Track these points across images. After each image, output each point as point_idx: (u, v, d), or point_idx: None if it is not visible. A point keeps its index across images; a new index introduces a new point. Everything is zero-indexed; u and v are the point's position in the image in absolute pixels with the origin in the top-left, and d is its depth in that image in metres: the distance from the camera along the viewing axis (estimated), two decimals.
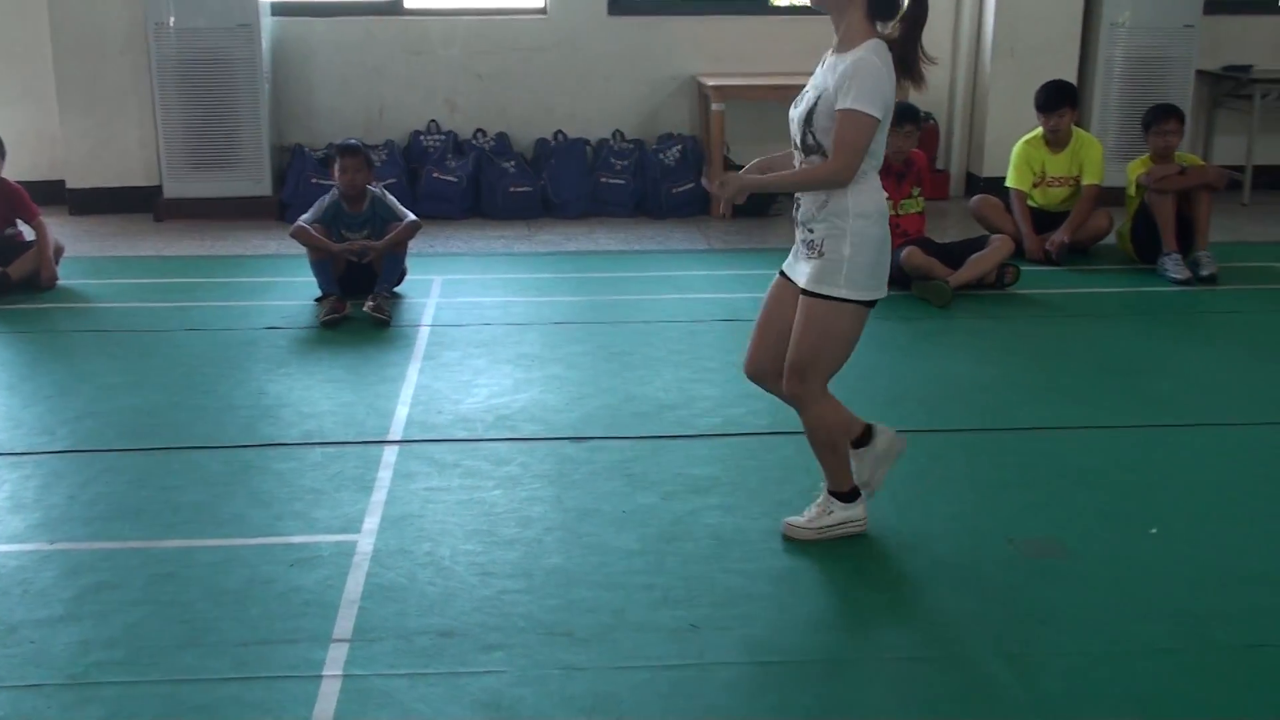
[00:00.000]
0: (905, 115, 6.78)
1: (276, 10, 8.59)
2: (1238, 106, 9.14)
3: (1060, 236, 7.29)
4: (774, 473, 4.50)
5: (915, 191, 6.84)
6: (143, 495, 4.34)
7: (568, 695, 3.20)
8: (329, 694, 3.19)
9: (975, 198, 7.80)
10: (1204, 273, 6.93)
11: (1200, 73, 9.00)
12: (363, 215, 6.55)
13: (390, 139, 8.71)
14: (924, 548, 3.99)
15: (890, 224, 6.97)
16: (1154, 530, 4.09)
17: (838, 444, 3.93)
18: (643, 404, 5.18)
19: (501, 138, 8.82)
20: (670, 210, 8.58)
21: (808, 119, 3.74)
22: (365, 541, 3.97)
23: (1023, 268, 6.92)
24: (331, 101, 8.80)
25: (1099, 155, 7.46)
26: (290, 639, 3.43)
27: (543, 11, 8.93)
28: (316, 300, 6.41)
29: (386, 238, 6.48)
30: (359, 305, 6.26)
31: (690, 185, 8.64)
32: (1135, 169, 7.30)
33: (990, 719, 3.14)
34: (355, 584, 3.71)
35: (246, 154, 8.38)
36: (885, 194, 3.83)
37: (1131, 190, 7.33)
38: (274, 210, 8.37)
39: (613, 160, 8.72)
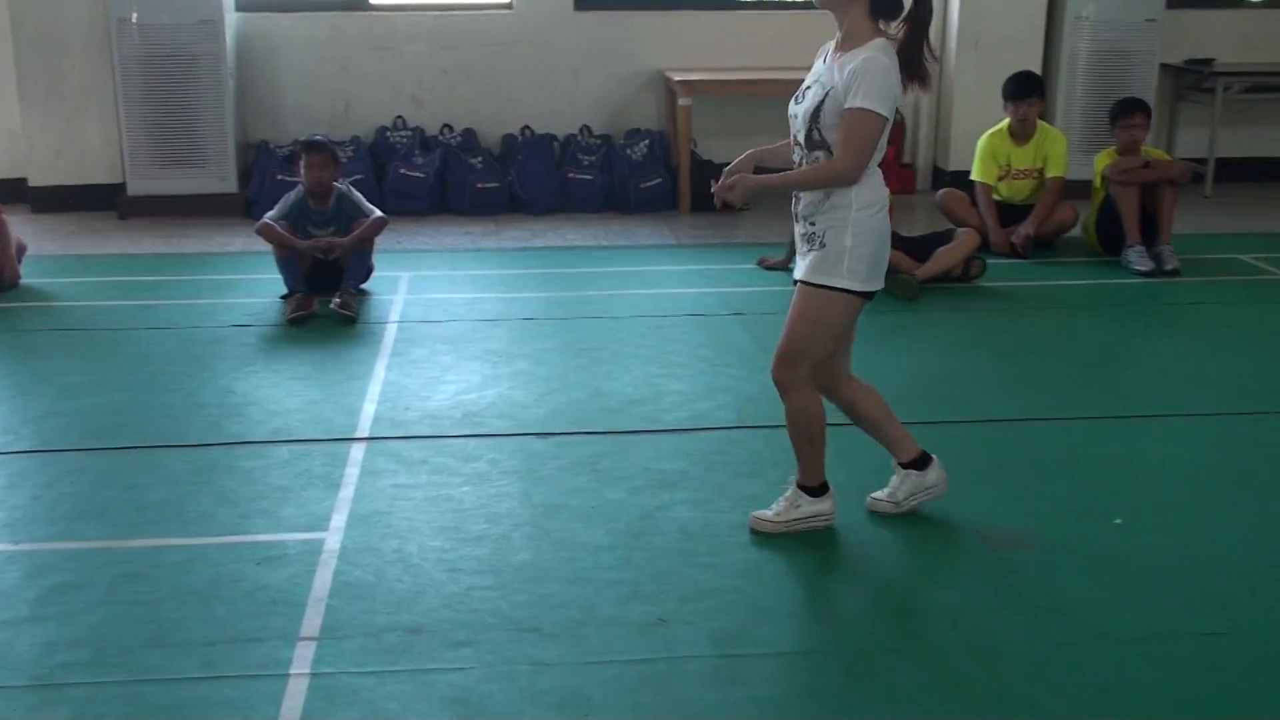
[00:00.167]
0: None
1: (240, 6, 8.54)
2: (1200, 99, 9.21)
3: (1026, 229, 7.34)
4: (742, 467, 4.51)
5: None
6: (107, 495, 4.31)
7: (536, 691, 3.20)
8: (296, 692, 3.18)
9: (941, 191, 7.84)
10: (1167, 267, 6.99)
11: (1163, 66, 9.06)
12: (329, 212, 6.52)
13: (357, 135, 8.68)
14: (893, 540, 4.00)
15: None
16: (1119, 521, 4.12)
17: (815, 436, 3.94)
18: (611, 399, 5.18)
19: (468, 134, 8.80)
20: (638, 205, 8.58)
21: (814, 116, 3.75)
22: (332, 539, 3.96)
23: (989, 261, 6.95)
24: (297, 98, 8.76)
25: (1063, 148, 7.51)
26: (257, 638, 3.42)
27: (509, 7, 8.91)
28: (283, 298, 6.38)
29: (353, 234, 6.45)
30: (326, 302, 6.24)
31: (658, 180, 8.64)
32: (1102, 161, 7.36)
33: (957, 710, 3.15)
34: (322, 582, 3.70)
35: (211, 151, 8.33)
36: (886, 188, 3.85)
37: (1098, 183, 7.38)
38: (239, 207, 8.32)
39: (580, 156, 8.71)
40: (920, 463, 4.12)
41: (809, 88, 3.82)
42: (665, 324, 6.18)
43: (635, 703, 3.16)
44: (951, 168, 8.82)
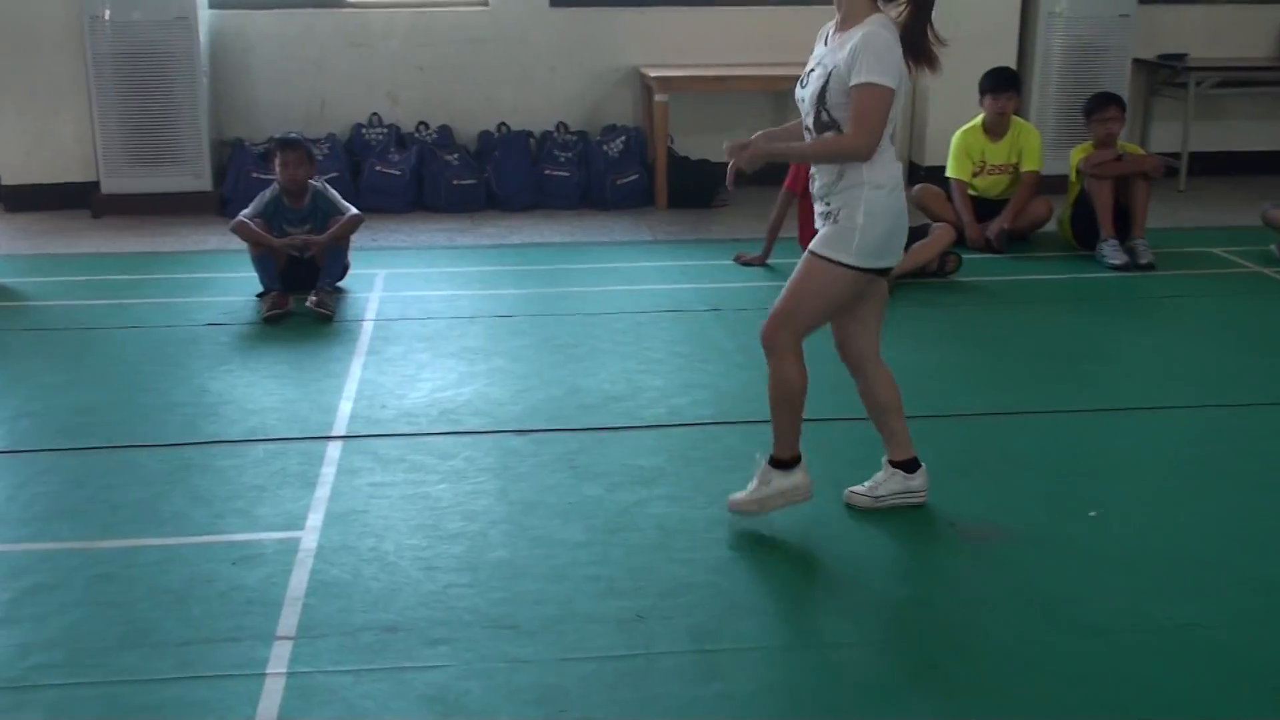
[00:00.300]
0: None
1: (214, 3, 8.50)
2: (1173, 94, 9.26)
3: (1000, 223, 7.37)
4: (719, 463, 4.52)
5: None
6: (82, 495, 4.29)
7: (514, 688, 3.20)
8: (273, 692, 3.17)
9: (916, 187, 7.84)
10: (1141, 261, 7.03)
11: (1136, 61, 9.11)
12: (304, 210, 6.50)
13: (332, 132, 8.65)
14: (867, 534, 4.02)
15: None
16: (1093, 513, 4.15)
17: (795, 402, 3.93)
18: (588, 396, 5.18)
19: (444, 130, 8.78)
20: (614, 202, 8.58)
21: (820, 97, 3.77)
22: (309, 538, 3.95)
23: (964, 256, 6.98)
24: (272, 95, 8.72)
25: (1038, 143, 7.54)
26: (233, 637, 3.41)
27: (484, 3, 8.90)
28: (258, 296, 6.36)
29: (328, 232, 6.43)
30: (301, 300, 6.22)
31: (635, 177, 8.64)
32: (1077, 156, 7.40)
33: (931, 701, 3.17)
34: (299, 581, 3.69)
35: (186, 149, 8.29)
36: (899, 165, 3.87)
37: (1073, 177, 7.42)
38: (214, 205, 8.28)
39: (557, 152, 8.71)
40: (910, 465, 4.14)
41: (812, 70, 3.84)
42: (642, 320, 6.18)
43: (613, 699, 3.16)
44: (927, 163, 8.85)
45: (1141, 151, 7.74)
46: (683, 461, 4.54)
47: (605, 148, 8.69)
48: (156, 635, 3.42)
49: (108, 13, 8.02)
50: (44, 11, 8.15)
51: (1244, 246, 7.47)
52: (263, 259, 6.32)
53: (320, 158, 7.95)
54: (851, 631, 3.50)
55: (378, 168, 8.47)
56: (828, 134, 3.78)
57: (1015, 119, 7.57)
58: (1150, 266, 7.00)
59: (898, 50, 3.70)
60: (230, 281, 6.70)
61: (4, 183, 8.37)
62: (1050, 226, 7.68)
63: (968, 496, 4.26)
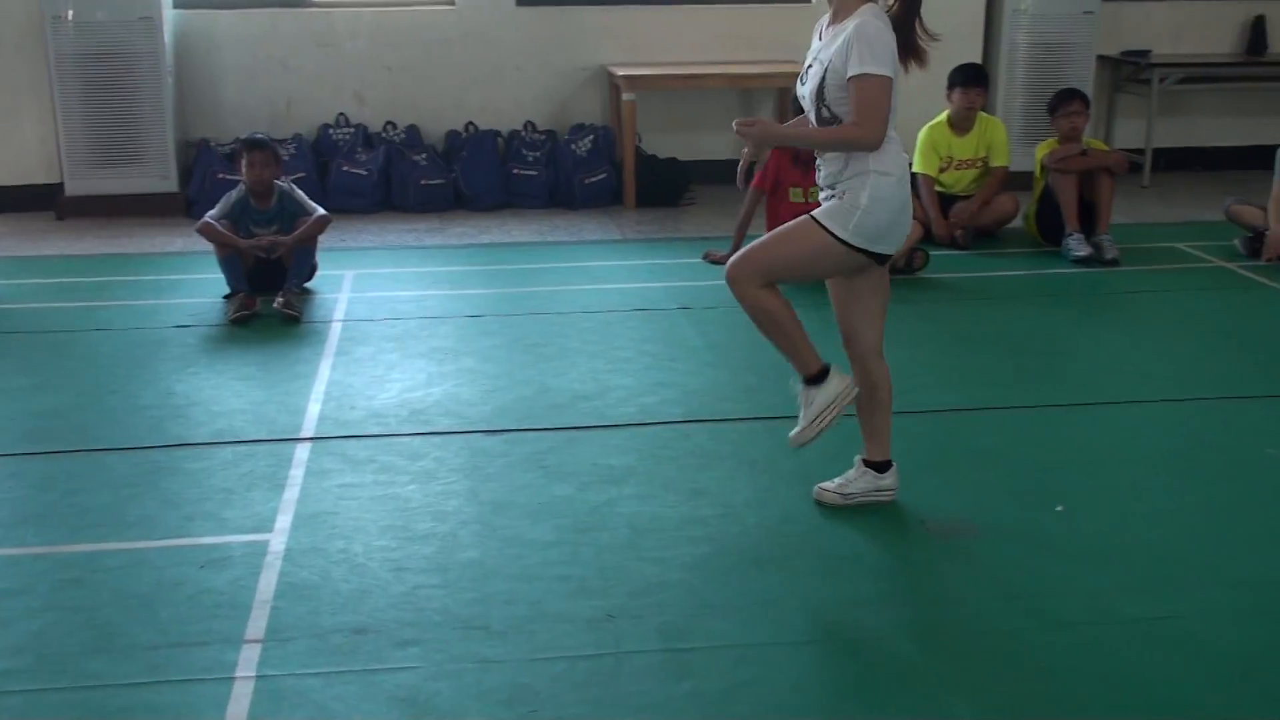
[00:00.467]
0: None
1: (179, 3, 8.44)
2: (1137, 91, 9.33)
3: (970, 206, 7.40)
4: (689, 461, 4.53)
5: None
6: (47, 499, 4.26)
7: (484, 688, 3.19)
8: (242, 695, 3.15)
9: None
10: (1106, 256, 7.08)
11: (1101, 58, 9.17)
12: (271, 210, 6.47)
13: (298, 133, 8.61)
14: (838, 531, 4.03)
15: (799, 211, 7.09)
16: (1060, 508, 4.17)
17: (784, 323, 3.91)
18: (558, 395, 5.18)
19: (412, 130, 8.75)
20: (583, 201, 8.57)
21: (819, 94, 3.78)
22: (277, 540, 3.93)
23: (931, 252, 7.01)
24: (237, 95, 8.67)
25: (1004, 137, 7.60)
26: (202, 641, 3.39)
27: (451, 3, 8.87)
28: (225, 297, 6.33)
29: (295, 233, 6.40)
30: (269, 302, 6.19)
31: (603, 176, 8.64)
32: (1042, 151, 7.45)
33: (903, 697, 3.18)
34: (267, 584, 3.67)
35: (151, 150, 8.23)
36: (906, 156, 3.88)
37: (1038, 173, 7.47)
38: (180, 207, 8.23)
39: (525, 152, 8.69)
40: (882, 466, 4.15)
41: (809, 67, 3.86)
42: (611, 319, 6.18)
43: (583, 698, 3.16)
44: None
45: (1106, 147, 7.80)
46: (652, 460, 4.55)
47: (573, 147, 8.68)
48: (124, 640, 3.40)
49: (70, 12, 7.95)
50: (4, 11, 8.10)
51: (1208, 241, 7.53)
52: (229, 260, 6.29)
53: (287, 158, 7.92)
54: (823, 629, 3.51)
55: (345, 168, 8.44)
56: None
57: (981, 114, 7.61)
58: (1115, 262, 7.05)
59: (891, 38, 3.72)
60: (197, 283, 6.66)
61: None
62: (1016, 223, 7.72)
63: (938, 492, 4.28)
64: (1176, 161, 9.53)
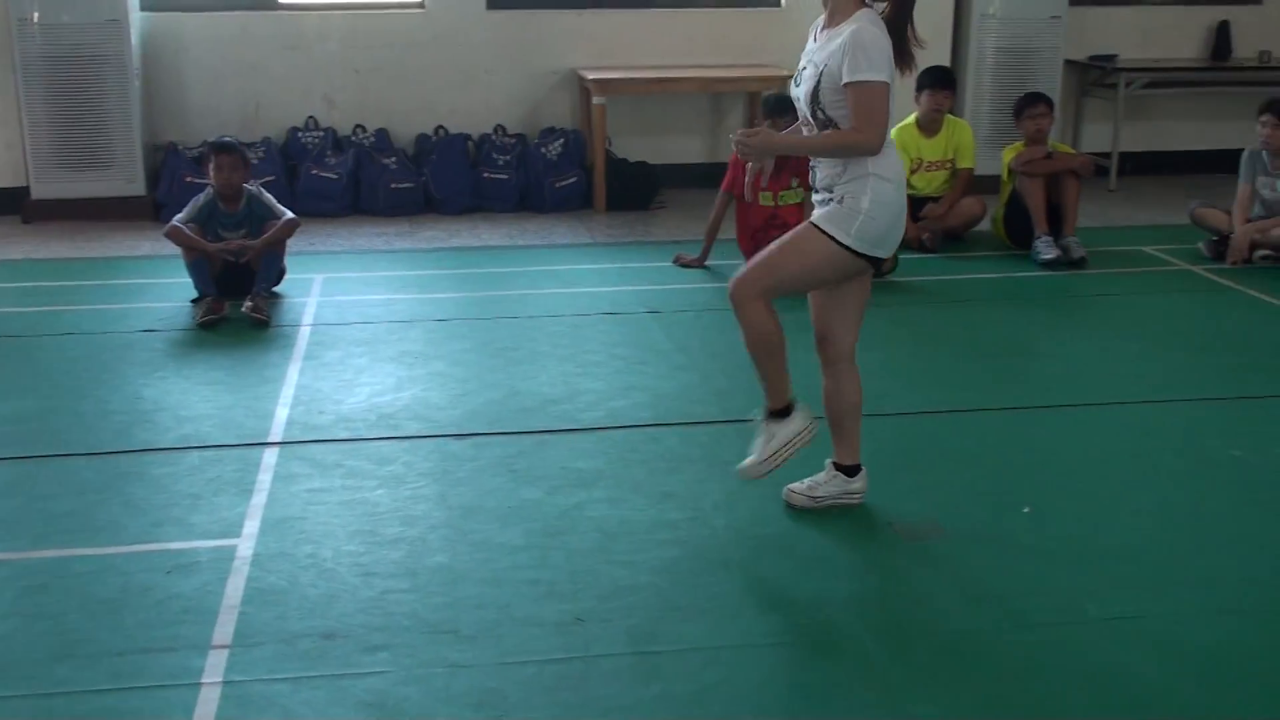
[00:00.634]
0: (785, 106, 6.85)
1: (146, 5, 8.39)
2: (1103, 95, 9.40)
3: (938, 209, 7.45)
4: (658, 464, 4.53)
5: (794, 183, 6.91)
6: (13, 505, 4.22)
7: (453, 693, 3.19)
8: (209, 701, 3.14)
9: None
10: (1074, 256, 7.13)
11: (1068, 62, 9.24)
12: (239, 214, 6.44)
13: (267, 136, 8.58)
14: (806, 533, 4.04)
15: (769, 215, 7.13)
16: (1027, 509, 4.20)
17: (775, 350, 3.93)
18: (527, 399, 5.17)
19: (381, 134, 8.73)
20: (554, 204, 8.57)
21: (814, 98, 3.79)
22: (245, 546, 3.91)
23: (900, 256, 7.02)
24: (206, 98, 8.63)
25: (971, 139, 7.66)
26: (168, 647, 3.37)
27: (420, 6, 8.85)
28: (193, 301, 6.29)
29: (264, 236, 6.38)
30: (237, 306, 6.16)
31: (574, 179, 8.64)
32: (1009, 155, 7.50)
33: (872, 699, 3.19)
34: (235, 589, 3.66)
35: (118, 153, 8.19)
36: (902, 163, 3.89)
37: (1005, 176, 7.52)
38: (148, 210, 8.18)
39: (495, 155, 8.69)
40: (852, 470, 4.17)
41: (804, 69, 3.86)
42: (581, 323, 6.18)
43: (553, 701, 3.16)
44: None
45: (1071, 150, 7.86)
46: (622, 464, 4.55)
47: (544, 150, 8.68)
48: (90, 646, 3.38)
49: (36, 15, 7.90)
50: None
51: (1173, 244, 7.60)
52: (197, 264, 6.26)
53: (255, 161, 7.89)
54: (791, 631, 3.52)
55: (314, 171, 8.41)
56: (826, 132, 3.81)
57: (949, 116, 7.66)
58: (1083, 260, 7.11)
59: (887, 43, 3.73)
60: (164, 287, 6.63)
61: None
62: (984, 226, 7.77)
63: (906, 494, 4.30)
64: (1143, 165, 9.61)
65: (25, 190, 8.22)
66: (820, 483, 4.17)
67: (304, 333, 6.00)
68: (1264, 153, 7.26)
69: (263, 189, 6.71)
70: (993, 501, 4.27)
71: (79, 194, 8.17)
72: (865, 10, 3.76)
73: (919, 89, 7.47)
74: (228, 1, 8.63)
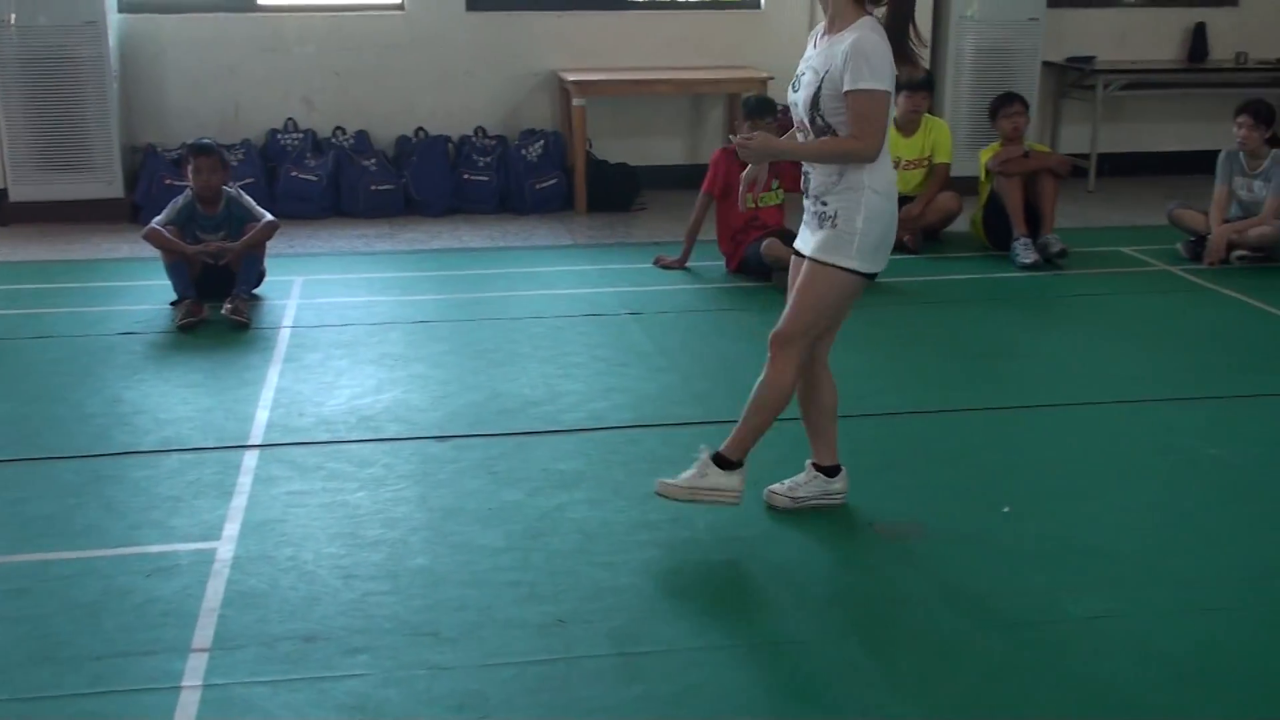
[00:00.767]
0: (764, 108, 6.88)
1: (124, 7, 8.37)
2: (1081, 96, 9.45)
3: (914, 208, 7.48)
4: (639, 466, 4.53)
5: (775, 184, 6.92)
6: None
7: (435, 695, 3.19)
8: (189, 704, 3.13)
9: None
10: (1053, 250, 7.16)
11: (1046, 64, 9.28)
12: (218, 216, 6.43)
13: (247, 138, 8.55)
14: (787, 534, 4.05)
15: (750, 216, 7.14)
16: (1007, 509, 4.22)
17: (776, 411, 3.96)
18: (508, 401, 5.17)
19: (361, 135, 8.72)
20: (534, 206, 8.58)
21: (814, 103, 3.79)
22: (225, 548, 3.90)
23: None
24: (184, 100, 8.60)
25: (948, 136, 7.70)
26: (148, 650, 3.36)
27: (400, 7, 8.84)
28: (172, 304, 6.27)
29: (243, 239, 6.36)
30: (217, 308, 6.15)
31: (554, 181, 8.64)
32: (985, 156, 7.53)
33: (850, 699, 3.20)
34: (215, 592, 3.65)
35: (96, 155, 8.16)
36: (894, 173, 3.92)
37: (983, 177, 7.55)
38: (126, 212, 8.16)
39: (475, 157, 8.68)
40: (832, 470, 4.18)
41: (803, 74, 3.87)
42: (562, 324, 6.18)
43: (534, 703, 3.16)
44: None
45: (1048, 150, 7.91)
46: (603, 465, 4.55)
47: (524, 152, 8.68)
48: (69, 650, 3.36)
49: (13, 16, 7.87)
50: None
51: (1151, 245, 7.64)
52: (176, 266, 6.24)
53: (235, 164, 7.87)
54: (773, 631, 3.52)
55: (294, 173, 8.39)
56: (824, 139, 3.81)
57: (926, 116, 7.70)
58: (1063, 253, 7.14)
59: (888, 52, 3.75)
60: (143, 290, 6.60)
61: None
62: (964, 227, 7.80)
63: (886, 495, 4.31)
64: (1120, 166, 9.66)
65: (3, 193, 8.18)
66: (801, 484, 4.18)
67: (284, 335, 5.99)
68: (1240, 154, 7.30)
69: (242, 191, 6.70)
70: (973, 501, 4.29)
71: (57, 196, 8.14)
72: (867, 18, 3.77)
73: (896, 90, 7.49)
74: (206, 3, 8.61)
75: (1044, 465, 4.63)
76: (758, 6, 9.25)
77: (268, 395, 5.20)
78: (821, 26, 3.89)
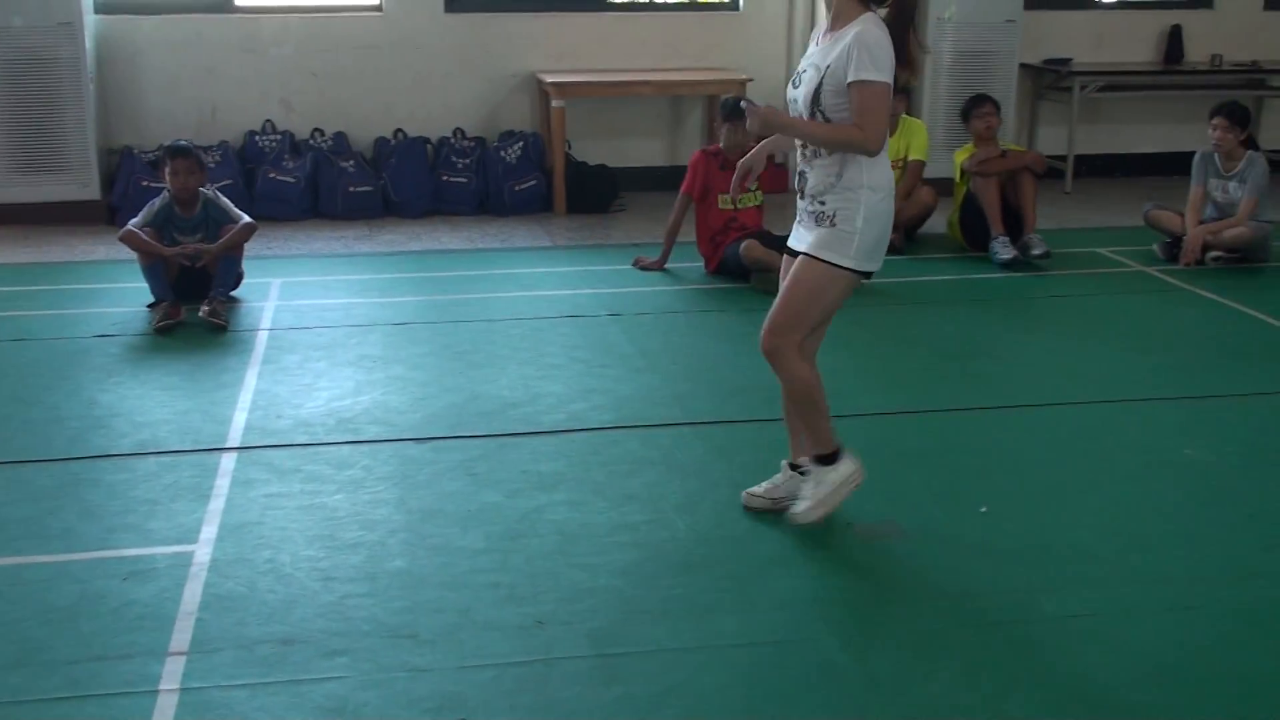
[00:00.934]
0: (742, 111, 6.89)
1: (100, 8, 8.33)
2: (1058, 98, 9.49)
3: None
4: (618, 467, 4.53)
5: (753, 185, 6.93)
6: None
7: (413, 697, 3.18)
8: (166, 708, 3.11)
9: None
10: (1035, 252, 7.19)
11: (1023, 66, 9.32)
12: (196, 218, 6.40)
13: (224, 140, 8.52)
14: (766, 535, 4.05)
15: (728, 217, 7.15)
16: (984, 509, 4.23)
17: (818, 400, 3.97)
18: (487, 403, 5.16)
19: (340, 137, 8.70)
20: (513, 208, 8.57)
21: (815, 99, 3.78)
22: (202, 551, 3.89)
23: None
24: (161, 102, 8.57)
25: (924, 135, 7.74)
26: (125, 654, 3.34)
27: (378, 9, 8.83)
28: (149, 306, 6.25)
29: (221, 241, 6.34)
30: (194, 310, 6.12)
31: (533, 182, 8.63)
32: (960, 156, 7.56)
33: (828, 698, 3.21)
34: (192, 595, 3.63)
35: (72, 157, 8.12)
36: (891, 171, 3.92)
37: (958, 178, 7.58)
38: (103, 214, 8.12)
39: (454, 158, 8.67)
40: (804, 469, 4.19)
41: (804, 71, 3.87)
42: (542, 326, 6.17)
43: (513, 704, 3.16)
44: None
45: (1022, 149, 7.94)
46: (582, 467, 4.55)
47: (503, 153, 8.67)
48: (45, 654, 3.34)
49: None
50: None
51: (1128, 246, 7.68)
52: (153, 269, 6.21)
53: (212, 165, 7.85)
54: (751, 632, 3.52)
55: (272, 175, 8.37)
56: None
57: (903, 116, 7.73)
58: (1046, 255, 7.17)
59: (890, 45, 3.75)
60: (120, 292, 6.57)
61: None
62: (941, 228, 7.82)
63: (864, 495, 4.30)
64: (1097, 168, 9.71)
65: None
66: (778, 484, 4.19)
67: (262, 337, 5.97)
68: (1215, 155, 7.35)
69: (219, 193, 6.67)
70: (949, 501, 4.30)
71: (33, 198, 8.10)
72: (869, 14, 3.78)
73: None
74: (183, 4, 8.58)
75: (1021, 465, 4.65)
76: (736, 9, 9.26)
77: (246, 398, 5.18)
78: (823, 25, 3.90)
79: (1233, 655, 3.41)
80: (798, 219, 3.96)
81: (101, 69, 8.30)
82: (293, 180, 8.37)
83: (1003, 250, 7.20)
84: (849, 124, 3.75)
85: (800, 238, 3.94)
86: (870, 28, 3.73)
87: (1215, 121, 7.29)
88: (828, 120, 3.78)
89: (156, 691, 3.18)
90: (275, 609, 3.57)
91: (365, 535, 4.01)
